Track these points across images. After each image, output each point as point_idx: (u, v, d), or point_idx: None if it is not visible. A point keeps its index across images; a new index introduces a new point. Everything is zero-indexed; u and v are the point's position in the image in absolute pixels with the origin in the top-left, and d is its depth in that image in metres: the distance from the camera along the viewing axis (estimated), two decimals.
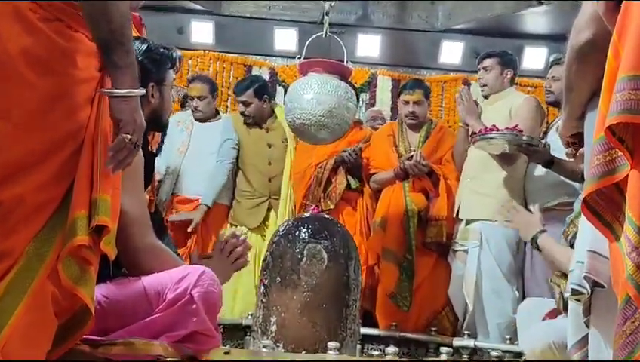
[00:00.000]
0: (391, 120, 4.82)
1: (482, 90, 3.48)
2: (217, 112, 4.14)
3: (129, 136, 1.47)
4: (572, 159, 1.81)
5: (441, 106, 5.81)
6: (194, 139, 3.93)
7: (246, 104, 3.87)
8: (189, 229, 3.69)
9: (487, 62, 3.44)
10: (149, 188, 2.74)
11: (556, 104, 3.29)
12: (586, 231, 1.34)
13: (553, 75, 3.27)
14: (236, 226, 3.81)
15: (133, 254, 1.74)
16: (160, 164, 3.77)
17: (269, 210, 3.85)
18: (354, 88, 3.30)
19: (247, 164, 3.89)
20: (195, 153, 3.88)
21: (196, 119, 3.99)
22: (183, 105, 4.54)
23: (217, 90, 4.23)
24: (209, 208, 3.76)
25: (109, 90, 1.46)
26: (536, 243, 2.32)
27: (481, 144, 3.13)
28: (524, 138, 3.00)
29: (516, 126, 3.05)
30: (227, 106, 5.38)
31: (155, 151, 2.23)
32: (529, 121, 3.18)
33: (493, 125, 3.08)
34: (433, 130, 3.74)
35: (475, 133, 3.17)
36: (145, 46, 1.94)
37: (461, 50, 5.42)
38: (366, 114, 5.05)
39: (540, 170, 3.13)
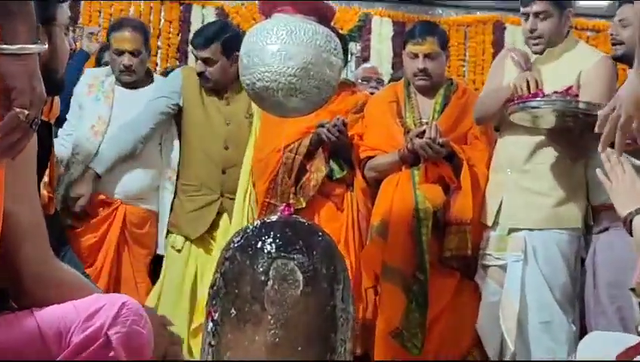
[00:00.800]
0: (392, 81, 4.84)
1: (535, 45, 3.47)
2: (150, 74, 4.16)
3: (25, 112, 1.47)
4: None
5: (464, 60, 5.86)
6: (117, 113, 3.92)
7: (209, 62, 3.87)
8: (76, 208, 3.74)
9: (542, 4, 3.40)
10: (45, 179, 2.73)
11: (626, 59, 3.30)
12: None
13: (623, 17, 3.28)
14: (174, 234, 3.84)
15: (23, 279, 1.72)
16: (60, 145, 3.78)
17: (219, 213, 3.87)
18: (339, 36, 3.30)
19: (194, 146, 3.90)
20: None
21: (123, 84, 3.98)
22: (99, 62, 4.51)
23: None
24: (99, 177, 3.79)
25: None
26: (631, 222, 2.34)
27: (519, 116, 3.15)
28: (580, 106, 3.02)
29: (569, 88, 3.07)
30: (156, 64, 5.36)
31: (52, 123, 2.22)
32: (606, 94, 3.14)
33: (539, 91, 3.10)
34: (454, 94, 3.77)
35: (511, 100, 3.19)
36: None
37: None
38: (355, 73, 5.07)
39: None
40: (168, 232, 3.90)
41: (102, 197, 3.85)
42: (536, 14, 3.42)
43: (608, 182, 2.40)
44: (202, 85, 3.93)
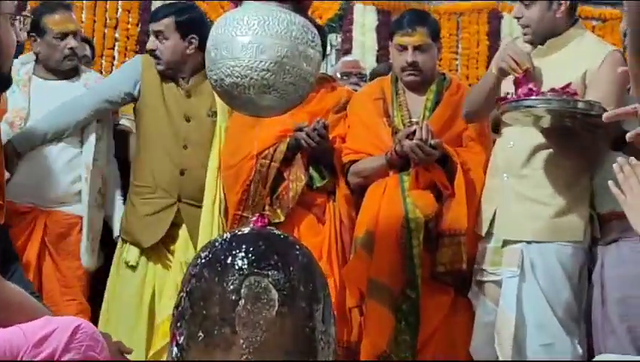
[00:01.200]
0: (373, 76, 4.84)
1: (524, 35, 3.48)
2: (77, 68, 4.13)
3: None
4: None
5: (456, 53, 5.89)
6: (37, 105, 3.90)
7: (160, 37, 3.87)
8: None
9: None
10: None
11: None
12: None
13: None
14: (126, 245, 3.83)
15: None
16: None
17: (176, 225, 3.85)
18: (317, 26, 3.30)
19: (150, 142, 3.89)
20: None
21: (52, 72, 3.99)
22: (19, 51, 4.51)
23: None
24: (18, 155, 3.75)
25: None
26: None
27: (512, 115, 3.16)
28: (579, 105, 3.03)
29: (567, 86, 3.08)
30: (114, 57, 5.33)
31: None
32: (616, 94, 3.15)
33: (533, 87, 3.11)
34: (447, 90, 3.79)
35: (505, 98, 3.20)
36: None
37: None
38: (335, 67, 5.08)
39: (611, 157, 3.19)
40: (123, 241, 3.87)
41: (17, 205, 3.77)
42: (521, 0, 3.43)
43: (622, 196, 2.37)
44: (158, 71, 3.92)
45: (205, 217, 3.81)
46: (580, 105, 3.02)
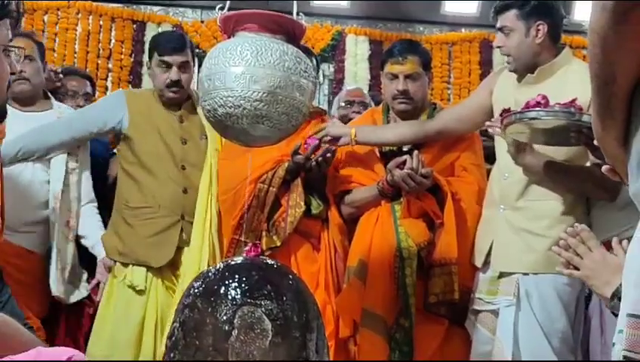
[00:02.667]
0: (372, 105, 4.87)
1: (508, 64, 3.49)
2: (47, 95, 4.09)
3: None
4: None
5: (448, 82, 5.91)
6: (7, 135, 3.78)
7: (184, 68, 3.89)
8: None
9: (505, 18, 3.42)
10: None
11: None
12: (629, 279, 1.33)
13: None
14: (128, 267, 3.77)
15: None
16: None
17: (180, 248, 3.82)
18: (310, 55, 3.31)
19: (145, 164, 3.87)
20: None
21: (14, 97, 3.86)
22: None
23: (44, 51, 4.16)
24: None
25: None
26: (619, 299, 2.34)
27: (515, 128, 3.12)
28: (584, 118, 2.95)
29: (574, 100, 3.03)
30: (106, 88, 5.34)
31: None
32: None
33: (541, 100, 3.07)
34: None
35: (509, 110, 3.17)
36: None
37: None
38: (339, 97, 5.09)
39: None
40: (123, 265, 3.81)
41: None
42: (501, 29, 3.45)
43: (576, 272, 2.42)
44: (168, 96, 3.93)
45: (196, 240, 3.79)
46: (586, 118, 2.94)
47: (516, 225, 3.35)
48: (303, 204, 3.65)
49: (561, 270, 2.47)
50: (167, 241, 3.81)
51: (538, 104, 3.05)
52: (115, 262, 3.87)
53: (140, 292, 3.78)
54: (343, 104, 4.83)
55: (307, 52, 3.17)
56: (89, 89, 4.73)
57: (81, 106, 3.94)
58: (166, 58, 3.88)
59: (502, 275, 3.36)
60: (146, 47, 6.66)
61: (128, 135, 3.91)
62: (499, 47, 3.49)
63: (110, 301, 3.84)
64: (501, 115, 3.24)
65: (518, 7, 3.40)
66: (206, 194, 3.85)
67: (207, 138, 3.94)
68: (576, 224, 2.45)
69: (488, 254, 3.43)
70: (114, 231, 3.91)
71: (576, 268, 2.42)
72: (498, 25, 3.46)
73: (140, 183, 3.88)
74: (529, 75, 3.42)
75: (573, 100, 3.03)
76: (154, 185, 3.86)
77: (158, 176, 3.87)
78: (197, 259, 3.72)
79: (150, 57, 4.00)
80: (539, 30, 3.39)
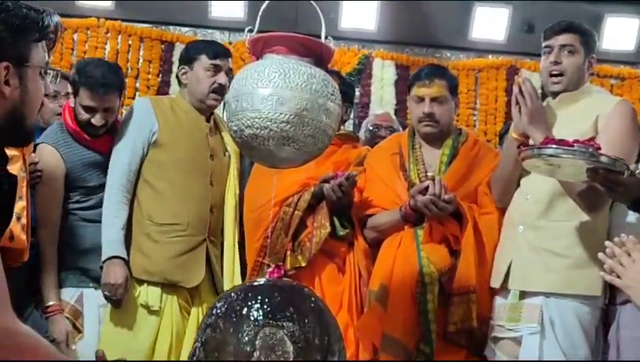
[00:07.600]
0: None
1: (554, 83, 3.48)
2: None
3: None
4: None
5: (474, 108, 5.89)
6: None
7: (228, 75, 3.87)
8: None
9: (569, 37, 3.45)
10: (24, 220, 2.71)
11: None
12: None
13: None
14: (143, 286, 3.66)
15: None
16: None
17: (207, 263, 3.77)
18: (342, 78, 3.31)
19: (177, 181, 3.77)
20: None
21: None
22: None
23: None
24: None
25: None
26: None
27: (532, 163, 3.13)
28: (602, 160, 2.97)
29: (592, 139, 3.05)
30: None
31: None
32: (624, 140, 3.21)
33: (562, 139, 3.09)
34: (463, 145, 3.80)
35: (527, 144, 3.20)
36: None
37: (506, 19, 5.52)
38: (367, 121, 5.10)
39: (630, 216, 3.18)
40: (139, 282, 3.69)
41: None
42: (562, 47, 3.45)
43: (617, 280, 2.45)
44: (202, 105, 3.88)
45: (227, 262, 3.79)
46: (603, 159, 2.93)
47: (536, 244, 3.33)
48: (328, 225, 3.65)
49: (603, 275, 2.50)
50: (196, 261, 3.75)
51: (554, 141, 3.04)
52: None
53: (154, 313, 3.69)
54: (371, 128, 4.84)
55: (338, 76, 3.16)
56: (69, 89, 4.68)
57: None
58: (218, 61, 3.87)
59: (522, 297, 3.33)
60: (174, 67, 6.73)
61: (159, 141, 3.81)
62: (557, 62, 3.46)
63: (117, 317, 3.72)
64: (519, 147, 3.25)
65: (581, 33, 3.48)
66: (232, 214, 3.85)
67: (229, 155, 3.94)
68: (623, 234, 2.46)
69: (507, 275, 3.41)
70: (136, 247, 3.75)
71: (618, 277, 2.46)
72: (560, 42, 3.46)
73: (165, 198, 3.78)
74: (551, 98, 3.45)
75: (591, 139, 3.04)
76: (183, 202, 3.78)
77: (192, 192, 3.80)
78: (229, 280, 3.72)
79: (189, 63, 3.93)
80: (591, 63, 3.49)
